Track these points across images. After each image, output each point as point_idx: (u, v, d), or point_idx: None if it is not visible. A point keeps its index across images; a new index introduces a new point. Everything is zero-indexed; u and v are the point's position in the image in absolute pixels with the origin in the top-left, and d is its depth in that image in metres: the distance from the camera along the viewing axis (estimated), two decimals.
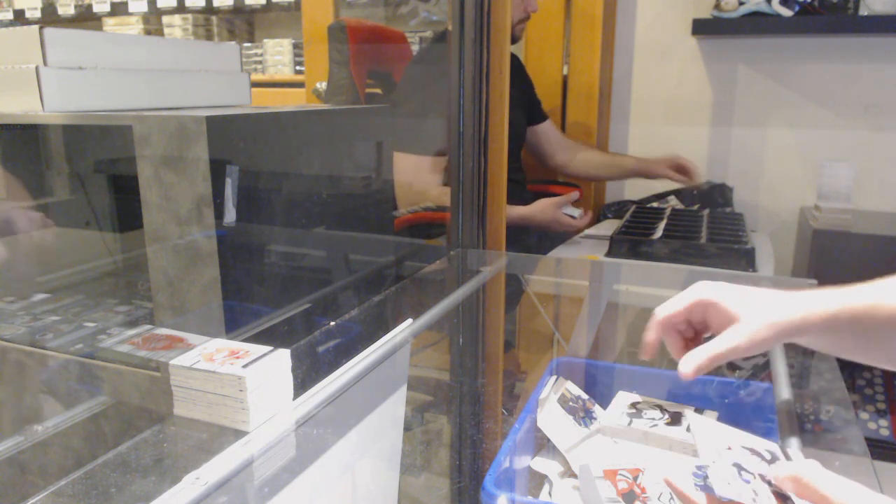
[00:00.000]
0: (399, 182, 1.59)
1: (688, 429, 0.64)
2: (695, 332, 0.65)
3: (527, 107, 1.93)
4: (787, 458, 0.51)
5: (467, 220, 1.29)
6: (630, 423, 0.65)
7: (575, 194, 1.72)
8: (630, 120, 2.34)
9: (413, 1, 2.93)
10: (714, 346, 0.58)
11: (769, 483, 0.45)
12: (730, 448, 0.49)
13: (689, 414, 0.65)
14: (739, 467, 0.46)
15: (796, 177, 2.17)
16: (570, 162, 2.01)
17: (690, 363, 0.58)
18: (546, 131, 1.99)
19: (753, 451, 0.50)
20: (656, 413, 0.67)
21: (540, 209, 1.66)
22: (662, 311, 0.65)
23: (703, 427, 0.53)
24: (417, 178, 1.59)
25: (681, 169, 1.87)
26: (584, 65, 2.13)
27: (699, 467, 0.58)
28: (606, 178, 2.17)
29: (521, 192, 1.84)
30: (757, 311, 0.58)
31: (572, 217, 1.66)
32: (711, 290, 0.62)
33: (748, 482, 0.45)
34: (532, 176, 2.18)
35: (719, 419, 0.66)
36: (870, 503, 0.40)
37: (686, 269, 1.44)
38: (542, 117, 1.98)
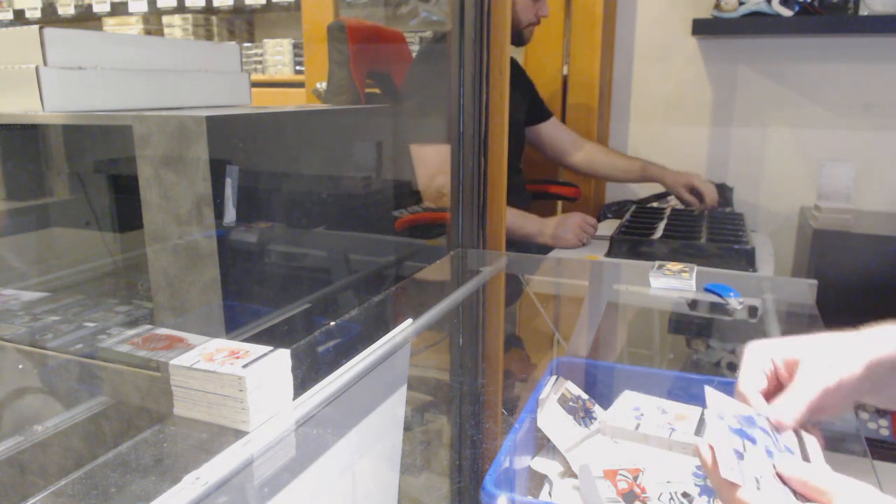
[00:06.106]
0: (420, 171, 1.58)
1: (697, 430, 0.64)
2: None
3: (527, 107, 1.93)
4: (801, 441, 0.51)
5: (467, 220, 1.29)
6: (637, 428, 0.65)
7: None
8: (630, 120, 2.34)
9: (413, 1, 2.93)
10: (808, 393, 0.52)
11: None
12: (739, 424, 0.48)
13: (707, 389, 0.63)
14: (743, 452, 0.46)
15: (796, 177, 2.17)
16: (585, 162, 1.99)
17: (788, 413, 0.51)
18: (554, 128, 1.98)
19: (768, 428, 0.49)
20: (663, 417, 0.67)
21: (563, 220, 1.67)
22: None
23: (717, 401, 0.51)
24: (437, 163, 1.58)
25: (696, 192, 1.84)
26: (584, 65, 2.13)
27: (699, 467, 0.58)
28: (622, 181, 2.15)
29: (520, 192, 1.84)
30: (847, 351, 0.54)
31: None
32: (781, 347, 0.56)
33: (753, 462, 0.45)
34: (530, 175, 2.18)
35: None
36: (869, 499, 0.40)
37: None
38: (545, 115, 1.97)
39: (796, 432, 0.52)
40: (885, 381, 0.54)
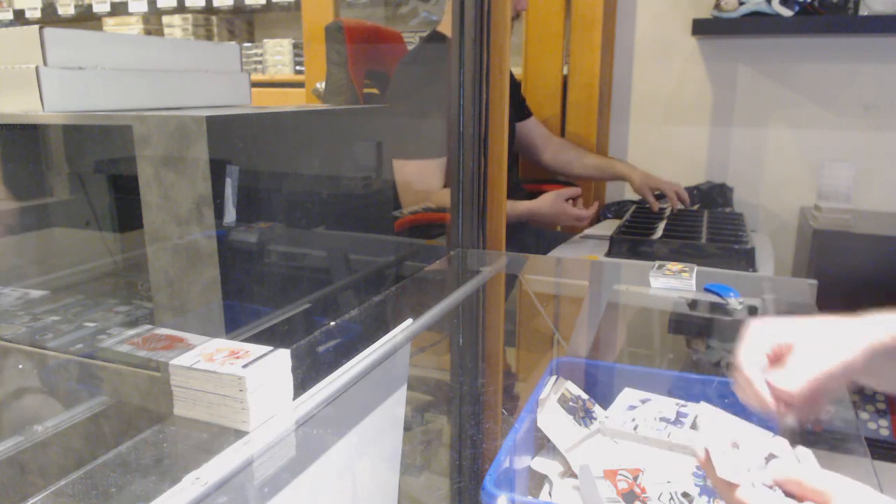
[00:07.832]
0: (402, 189, 1.59)
1: (692, 425, 0.64)
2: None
3: (514, 106, 1.95)
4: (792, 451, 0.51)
5: (467, 220, 1.29)
6: (636, 429, 0.65)
7: (578, 189, 1.74)
8: (630, 120, 2.34)
9: (413, 1, 2.93)
10: (811, 370, 0.52)
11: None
12: (734, 442, 0.49)
13: (697, 407, 0.64)
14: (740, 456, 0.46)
15: (796, 177, 2.17)
16: (554, 160, 2.03)
17: (790, 384, 0.52)
18: (531, 127, 2.01)
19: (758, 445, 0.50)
20: (662, 415, 0.67)
21: (548, 203, 1.67)
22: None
23: (711, 418, 0.52)
24: (420, 182, 1.59)
25: (661, 194, 1.89)
26: (584, 65, 2.13)
27: (699, 467, 0.58)
28: (595, 179, 2.18)
29: (516, 190, 1.84)
30: (844, 333, 0.54)
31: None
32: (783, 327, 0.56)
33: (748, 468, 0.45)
34: (527, 175, 2.18)
35: None
36: (866, 499, 0.40)
37: None
38: (527, 113, 2.00)
39: (791, 444, 0.52)
40: (884, 366, 0.54)
